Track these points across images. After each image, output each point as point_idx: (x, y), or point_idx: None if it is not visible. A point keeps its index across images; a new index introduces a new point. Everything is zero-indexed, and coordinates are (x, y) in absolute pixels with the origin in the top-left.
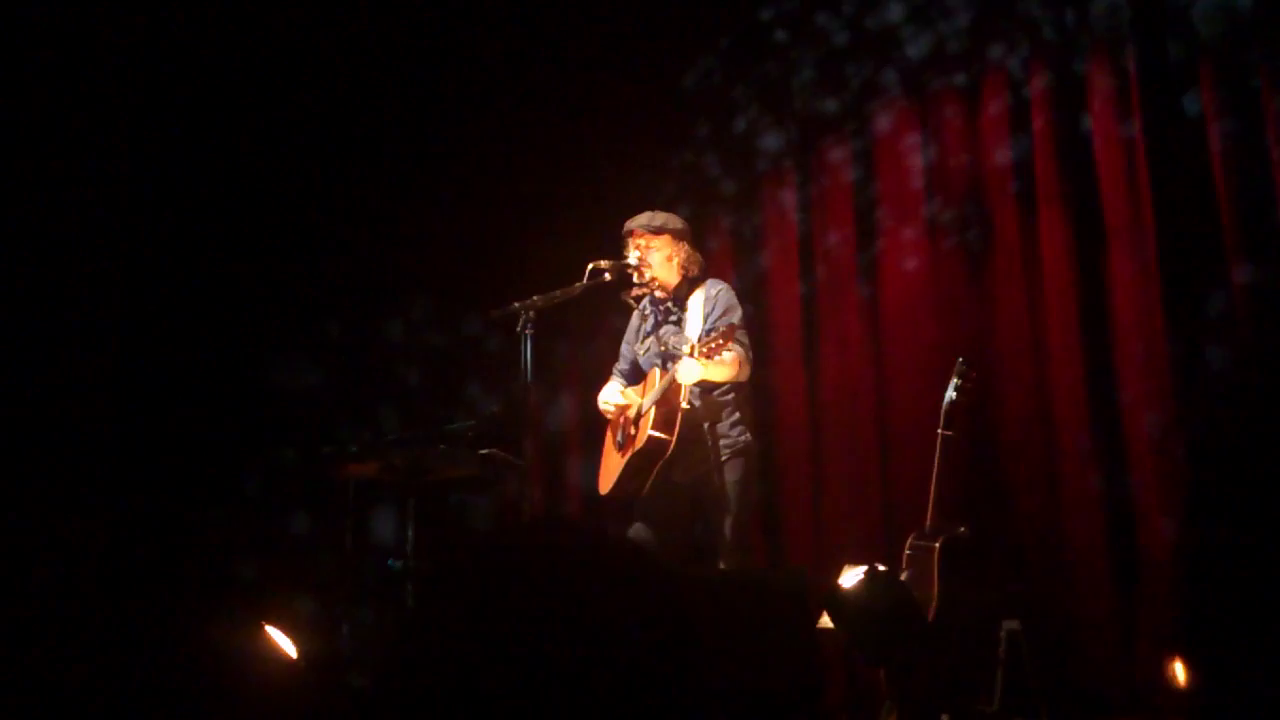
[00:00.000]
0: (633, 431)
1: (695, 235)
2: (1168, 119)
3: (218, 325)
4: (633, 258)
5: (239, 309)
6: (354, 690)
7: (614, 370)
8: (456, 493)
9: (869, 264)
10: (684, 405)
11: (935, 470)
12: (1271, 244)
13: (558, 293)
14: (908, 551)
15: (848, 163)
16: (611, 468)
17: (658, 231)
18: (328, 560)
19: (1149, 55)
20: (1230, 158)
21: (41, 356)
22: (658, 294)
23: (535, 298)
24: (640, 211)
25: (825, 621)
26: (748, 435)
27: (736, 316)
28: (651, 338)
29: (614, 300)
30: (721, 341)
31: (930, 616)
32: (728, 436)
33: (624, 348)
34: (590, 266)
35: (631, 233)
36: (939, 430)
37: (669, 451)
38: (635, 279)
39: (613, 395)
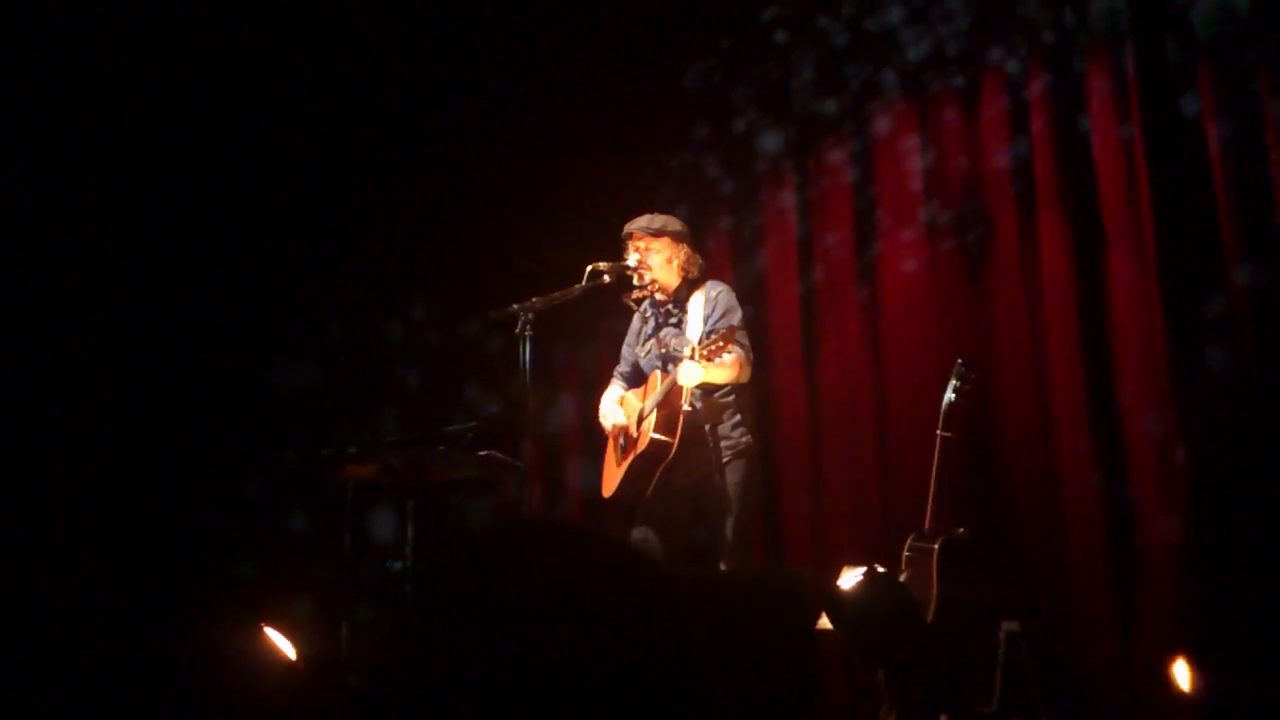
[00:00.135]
0: (634, 435)
1: (694, 236)
2: (1167, 121)
3: (217, 326)
4: (632, 260)
5: (238, 310)
6: (352, 691)
7: (615, 373)
8: (456, 494)
9: (868, 265)
10: (685, 408)
11: (934, 471)
12: (1271, 245)
13: (557, 294)
14: (907, 553)
15: (847, 164)
16: (614, 471)
17: (657, 234)
18: (326, 561)
19: (1148, 57)
20: (1229, 159)
21: (41, 356)
22: (658, 296)
23: (534, 299)
24: (639, 214)
25: (824, 622)
26: (749, 437)
27: (736, 318)
28: (652, 340)
29: (613, 302)
30: (722, 344)
31: (929, 617)
32: (729, 438)
33: (625, 350)
34: (589, 268)
35: (631, 235)
36: (938, 431)
37: (671, 454)
38: (635, 281)
39: (612, 410)
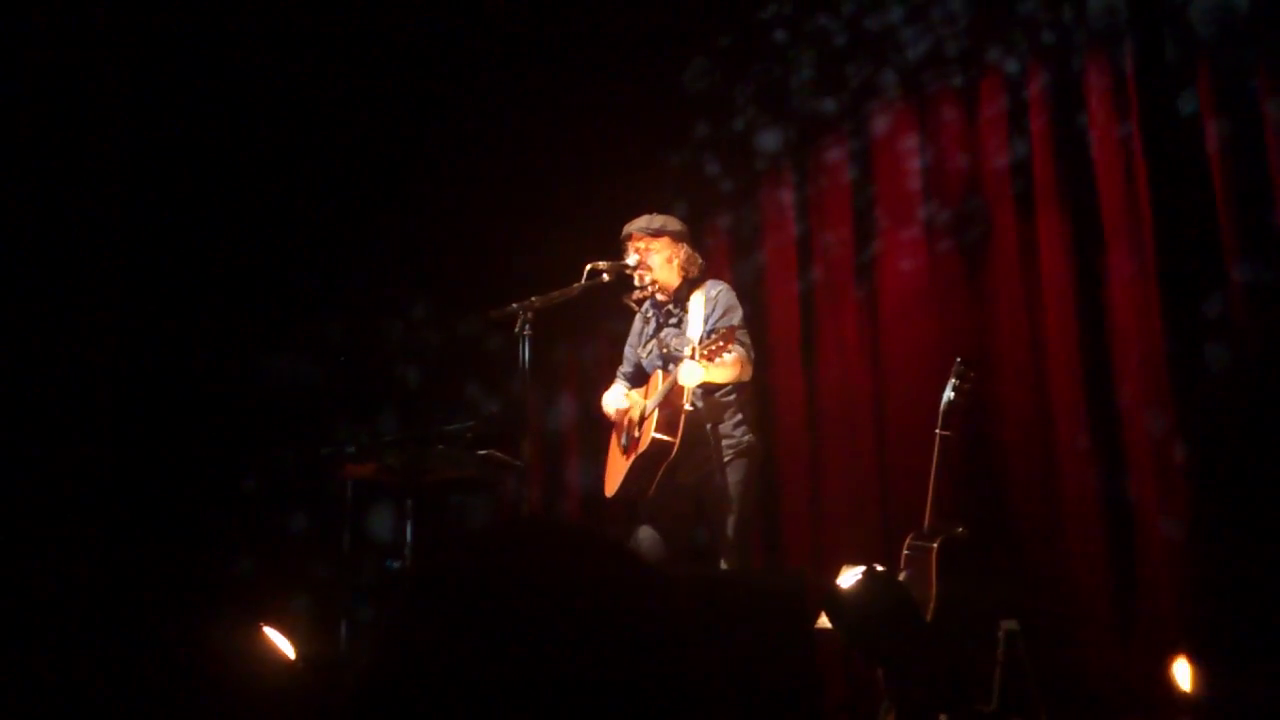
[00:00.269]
0: (637, 434)
1: (693, 235)
2: (1165, 119)
3: (216, 325)
4: (632, 260)
5: (238, 308)
6: (350, 690)
7: (618, 374)
8: (455, 493)
9: (867, 264)
10: (687, 407)
11: (933, 470)
12: (1270, 243)
13: (556, 293)
14: (906, 551)
15: (846, 163)
16: (616, 470)
17: (657, 234)
18: (326, 561)
19: (1147, 55)
20: (1229, 157)
21: (41, 355)
22: (658, 297)
23: (534, 298)
24: (638, 213)
25: (823, 622)
26: (751, 435)
27: (737, 317)
28: (654, 341)
29: (612, 301)
30: (722, 343)
31: (928, 617)
32: (731, 437)
33: (627, 350)
34: (589, 267)
35: (630, 236)
36: (937, 430)
37: (673, 453)
38: (636, 282)
39: (615, 399)
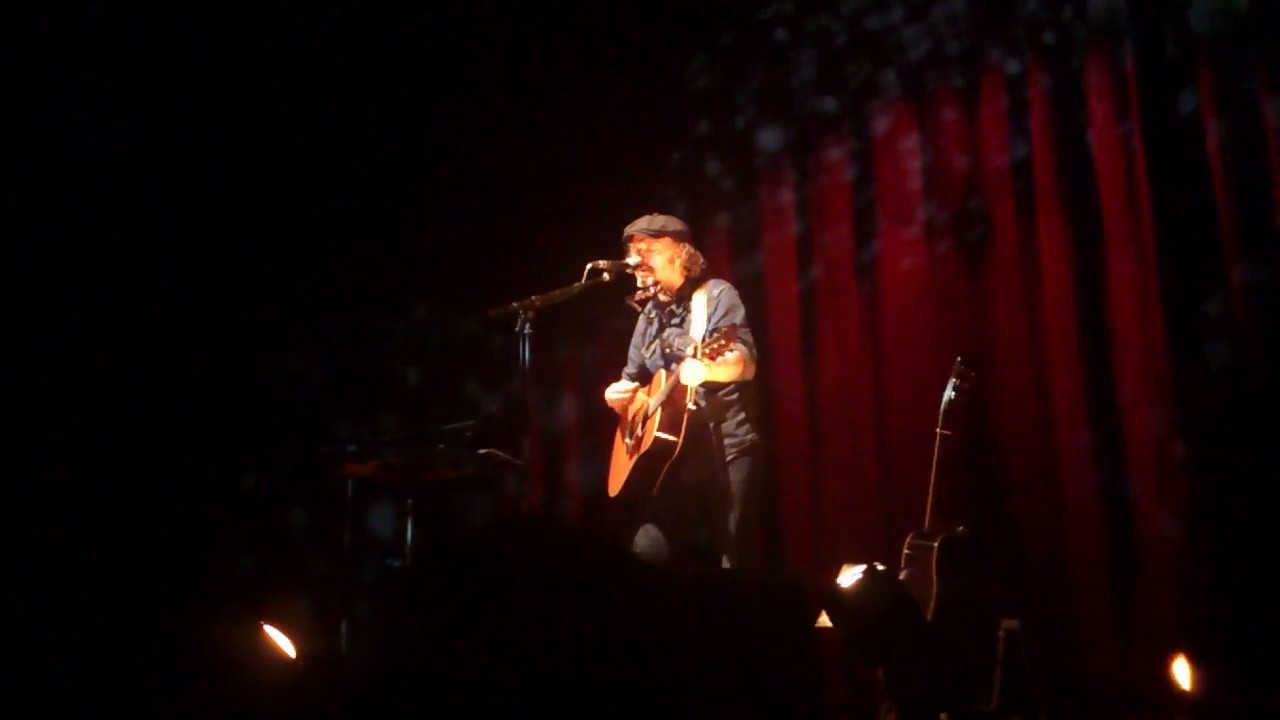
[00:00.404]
0: (640, 433)
1: (694, 234)
2: (1165, 118)
3: (217, 324)
4: (633, 261)
5: (238, 308)
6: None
7: (623, 374)
8: (455, 492)
9: (868, 264)
10: (690, 406)
11: (934, 469)
12: (1270, 243)
13: (556, 292)
14: (906, 551)
15: (846, 162)
16: (620, 469)
17: (658, 234)
18: (326, 560)
19: (1147, 55)
20: (1228, 156)
21: (41, 355)
22: (661, 297)
23: (534, 297)
24: (639, 211)
25: (824, 621)
26: (754, 434)
27: (739, 316)
28: (657, 341)
29: (612, 300)
30: (724, 342)
31: (929, 616)
32: (734, 435)
33: (631, 351)
34: (589, 266)
35: (632, 238)
36: (938, 429)
37: (676, 453)
38: (639, 283)
39: (617, 387)
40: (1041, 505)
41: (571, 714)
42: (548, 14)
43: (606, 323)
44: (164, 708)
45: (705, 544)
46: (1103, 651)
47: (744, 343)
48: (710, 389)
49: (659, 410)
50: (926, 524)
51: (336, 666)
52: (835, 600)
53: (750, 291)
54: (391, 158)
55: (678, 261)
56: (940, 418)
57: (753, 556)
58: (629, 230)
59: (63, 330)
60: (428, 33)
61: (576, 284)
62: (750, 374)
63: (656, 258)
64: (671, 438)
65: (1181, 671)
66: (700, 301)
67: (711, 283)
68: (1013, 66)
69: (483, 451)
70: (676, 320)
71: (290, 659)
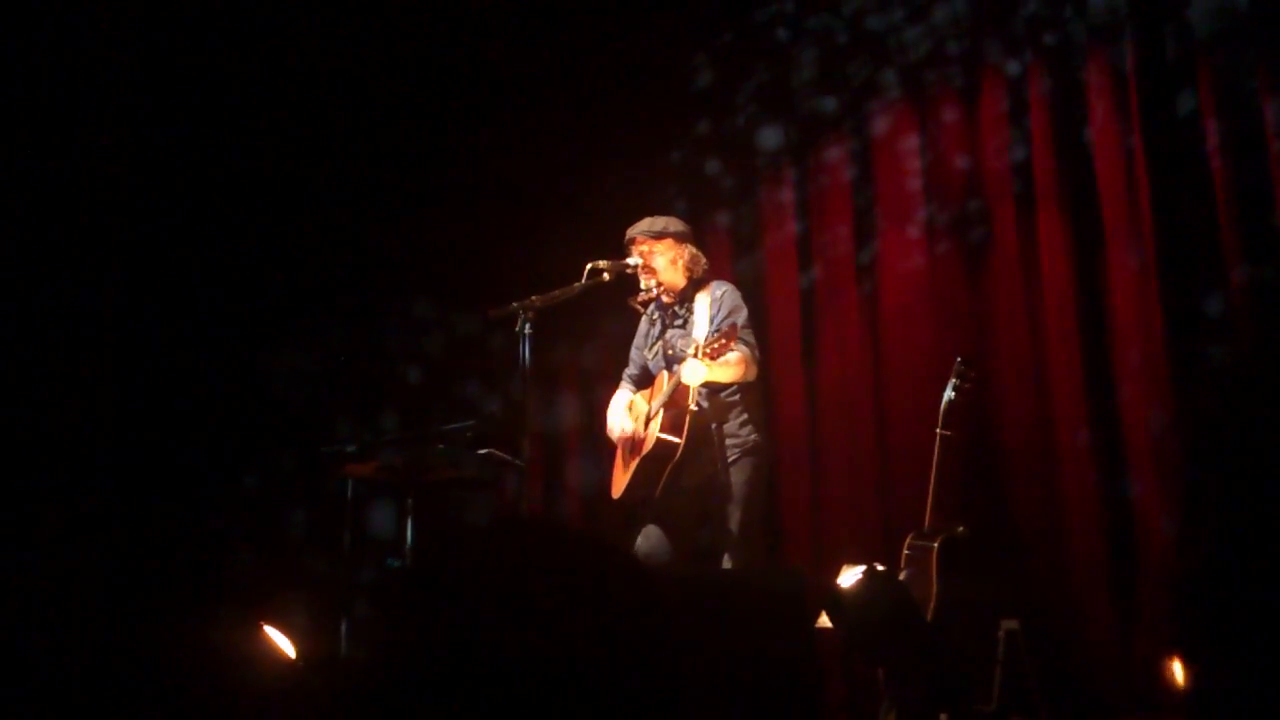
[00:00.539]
0: (642, 436)
1: (694, 234)
2: (1166, 118)
3: (217, 324)
4: (634, 262)
5: (238, 307)
6: (350, 688)
7: (624, 376)
8: (455, 493)
9: (868, 264)
10: (692, 407)
11: (934, 470)
12: (1270, 243)
13: (557, 293)
14: (906, 551)
15: (846, 162)
16: (622, 472)
17: (659, 236)
18: (326, 559)
19: (1147, 55)
20: (1228, 156)
21: (40, 354)
22: (664, 298)
23: (534, 298)
24: (639, 211)
25: (824, 621)
26: (756, 435)
27: (741, 317)
28: (659, 342)
29: (613, 300)
30: (725, 342)
31: (929, 616)
32: (736, 436)
33: (633, 353)
34: (589, 266)
35: (633, 240)
36: (938, 430)
37: (678, 454)
38: (642, 285)
39: (619, 419)
40: (1041, 505)
41: (572, 714)
42: (548, 14)
43: (606, 323)
44: (163, 708)
45: (707, 545)
46: (1101, 651)
47: (746, 343)
48: (713, 390)
49: (661, 411)
50: (926, 524)
51: (336, 666)
52: (835, 601)
53: (750, 291)
54: (391, 158)
55: (680, 263)
56: (940, 418)
57: (756, 558)
58: (631, 232)
59: (63, 330)
60: (428, 33)
61: (577, 284)
62: (752, 375)
63: (659, 259)
64: (674, 439)
65: (1180, 671)
66: (703, 302)
67: (714, 283)
68: (1013, 67)
69: (483, 452)
70: (679, 321)
71: (290, 659)
